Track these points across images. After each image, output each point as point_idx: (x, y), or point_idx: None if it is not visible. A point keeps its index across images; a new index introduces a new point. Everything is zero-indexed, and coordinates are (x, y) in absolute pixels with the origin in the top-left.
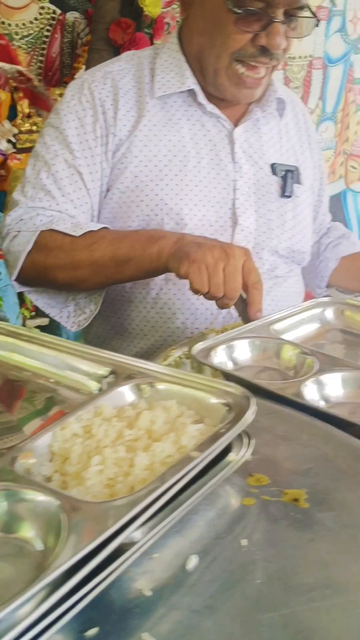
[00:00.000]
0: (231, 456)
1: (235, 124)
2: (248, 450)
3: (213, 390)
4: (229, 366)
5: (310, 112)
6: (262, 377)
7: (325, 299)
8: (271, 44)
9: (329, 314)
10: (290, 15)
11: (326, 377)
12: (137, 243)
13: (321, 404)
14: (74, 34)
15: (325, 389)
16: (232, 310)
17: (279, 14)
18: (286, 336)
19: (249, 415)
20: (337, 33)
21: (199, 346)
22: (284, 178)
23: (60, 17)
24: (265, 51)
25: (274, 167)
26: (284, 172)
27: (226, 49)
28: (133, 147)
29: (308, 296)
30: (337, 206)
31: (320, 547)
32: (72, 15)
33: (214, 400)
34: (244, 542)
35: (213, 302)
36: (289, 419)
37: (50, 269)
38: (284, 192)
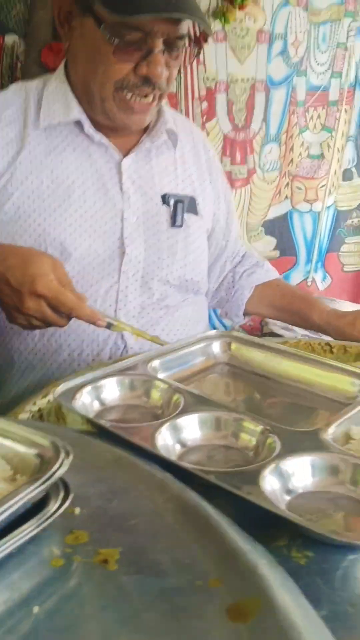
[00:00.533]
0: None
1: (126, 155)
2: (61, 506)
3: (24, 440)
4: (95, 407)
5: (254, 134)
6: (129, 418)
7: (212, 332)
8: (152, 73)
9: (215, 347)
10: (170, 44)
11: (184, 420)
12: None
13: (176, 449)
14: (13, 57)
15: (183, 433)
16: (119, 341)
17: (158, 44)
18: (166, 372)
19: (58, 470)
20: (279, 56)
21: (63, 387)
22: (174, 208)
23: None
24: (147, 80)
25: (165, 197)
26: (174, 202)
27: (108, 79)
28: (14, 179)
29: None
30: (284, 226)
31: (110, 616)
32: (10, 38)
33: (25, 450)
34: (36, 609)
35: (99, 334)
36: (132, 467)
37: None
38: (174, 222)
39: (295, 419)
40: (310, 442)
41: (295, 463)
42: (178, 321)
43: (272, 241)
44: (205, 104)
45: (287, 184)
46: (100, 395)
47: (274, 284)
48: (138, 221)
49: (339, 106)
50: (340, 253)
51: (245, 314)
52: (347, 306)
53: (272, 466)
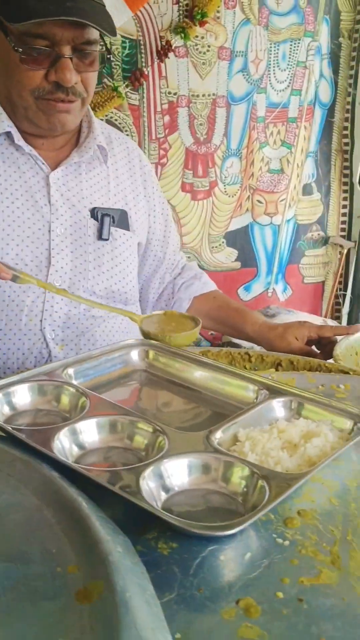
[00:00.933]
0: None
1: (55, 168)
2: None
3: None
4: (5, 411)
5: (215, 148)
6: (37, 422)
7: (131, 341)
8: (61, 78)
9: (134, 355)
10: (79, 50)
11: (84, 424)
12: None
13: (74, 451)
14: None
15: (82, 435)
16: (44, 350)
17: (66, 50)
18: (82, 379)
19: None
20: (239, 73)
21: None
22: (101, 221)
23: None
24: (59, 87)
25: (94, 211)
26: (101, 216)
27: (24, 87)
28: None
29: None
30: (245, 239)
31: None
32: None
33: None
34: None
35: (24, 342)
36: (25, 467)
37: None
38: (100, 235)
39: (195, 422)
40: (196, 444)
41: (176, 463)
42: (105, 332)
43: (233, 253)
44: (167, 118)
45: (248, 197)
46: (12, 400)
47: (210, 296)
48: (65, 233)
49: (298, 123)
50: (300, 265)
51: None
52: (305, 318)
53: (152, 467)
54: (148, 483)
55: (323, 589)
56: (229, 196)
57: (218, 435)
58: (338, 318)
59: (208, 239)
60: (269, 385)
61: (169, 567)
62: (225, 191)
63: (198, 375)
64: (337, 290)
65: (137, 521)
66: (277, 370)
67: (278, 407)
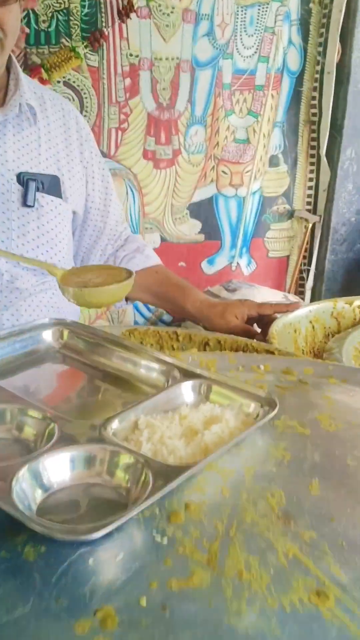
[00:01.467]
0: None
1: None
2: None
3: None
4: None
5: (179, 115)
6: None
7: (46, 320)
8: None
9: (47, 335)
10: None
11: None
12: None
13: None
14: None
15: None
16: None
17: None
18: None
19: None
20: (205, 37)
21: None
22: (26, 187)
23: None
24: None
25: (20, 176)
26: (25, 181)
27: None
28: None
29: None
30: (209, 210)
31: None
32: None
33: None
34: None
35: None
36: None
37: None
38: (25, 202)
39: (99, 409)
40: (88, 433)
41: (56, 458)
42: (32, 307)
43: (197, 224)
44: (128, 81)
45: (213, 168)
46: None
47: (152, 271)
48: None
49: (265, 91)
50: (265, 239)
51: (127, 299)
52: (266, 292)
53: (27, 465)
54: (21, 484)
55: (191, 593)
56: (193, 165)
57: (115, 424)
58: (302, 293)
59: (171, 210)
60: (180, 367)
61: (30, 575)
62: (190, 160)
63: (113, 357)
64: (301, 265)
65: (7, 523)
66: (204, 349)
67: (186, 391)
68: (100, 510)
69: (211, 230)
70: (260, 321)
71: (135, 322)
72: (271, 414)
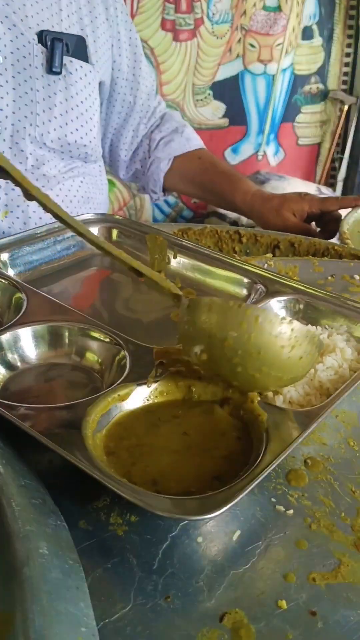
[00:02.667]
0: None
1: None
2: None
3: None
4: None
5: None
6: None
7: (90, 215)
8: None
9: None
10: None
11: (16, 332)
12: None
13: (1, 371)
14: None
15: (12, 349)
16: None
17: None
18: (20, 267)
19: None
20: None
21: None
22: (52, 49)
23: None
24: None
25: (42, 35)
26: (51, 42)
27: None
28: None
29: None
30: (234, 90)
31: None
32: None
33: None
34: None
35: None
36: None
37: None
38: (51, 67)
39: (164, 330)
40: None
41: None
42: (60, 196)
43: (220, 107)
44: None
45: (239, 40)
46: None
47: (195, 156)
48: (5, 63)
49: None
50: (295, 124)
51: (165, 189)
52: (298, 184)
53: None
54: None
55: (344, 590)
56: (217, 37)
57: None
58: (332, 185)
59: (192, 90)
60: (265, 278)
61: (124, 558)
62: (213, 31)
63: (175, 263)
64: (334, 154)
65: (81, 479)
66: (274, 254)
67: (278, 309)
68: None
69: (236, 113)
70: (320, 220)
71: (154, 219)
72: None
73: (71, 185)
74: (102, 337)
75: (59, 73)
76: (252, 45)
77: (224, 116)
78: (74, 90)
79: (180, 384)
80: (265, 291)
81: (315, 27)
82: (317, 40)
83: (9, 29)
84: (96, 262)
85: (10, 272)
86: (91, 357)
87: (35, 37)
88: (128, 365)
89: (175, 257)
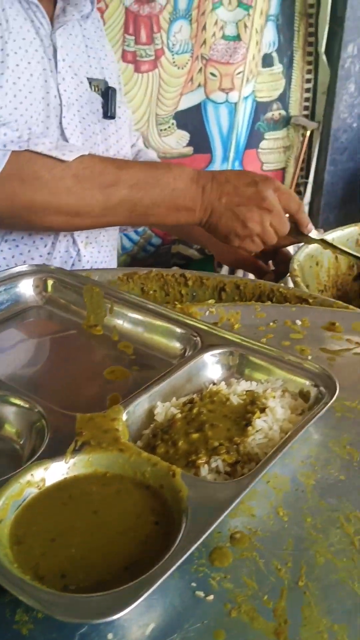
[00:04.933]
0: None
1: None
2: None
3: None
4: None
5: (161, 9)
6: None
7: (24, 267)
8: None
9: (26, 287)
10: None
11: None
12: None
13: None
14: None
15: None
16: (72, 248)
17: None
18: None
19: None
20: None
21: None
22: (106, 96)
23: None
24: None
25: (91, 83)
26: (104, 89)
27: None
28: None
29: None
30: (197, 119)
31: None
32: None
33: None
34: None
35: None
36: None
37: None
38: (107, 113)
39: (99, 393)
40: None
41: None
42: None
43: (184, 136)
44: None
45: (200, 70)
46: None
47: None
48: (73, 108)
49: None
50: (259, 150)
51: None
52: None
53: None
54: None
55: None
56: (178, 68)
57: (124, 417)
58: None
59: (155, 120)
60: (201, 330)
61: None
62: (174, 62)
63: (112, 315)
64: (298, 179)
65: None
66: (220, 297)
67: (213, 363)
68: None
69: (200, 141)
70: (274, 258)
71: (123, 247)
72: (331, 399)
73: None
74: (21, 403)
75: (114, 117)
76: (213, 75)
77: (188, 144)
78: (122, 132)
79: (100, 456)
80: (201, 344)
81: (275, 55)
82: (277, 68)
83: (72, 77)
84: (30, 316)
85: None
86: (8, 427)
87: (88, 84)
88: (47, 436)
89: (111, 312)
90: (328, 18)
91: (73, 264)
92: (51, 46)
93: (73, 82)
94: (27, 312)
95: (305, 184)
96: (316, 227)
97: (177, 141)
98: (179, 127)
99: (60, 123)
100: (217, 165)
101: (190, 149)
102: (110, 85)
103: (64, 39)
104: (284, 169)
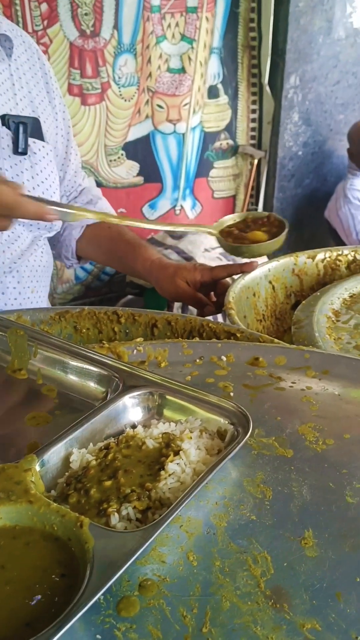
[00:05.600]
0: None
1: None
2: None
3: None
4: None
5: (105, 43)
6: None
7: None
8: None
9: None
10: None
11: None
12: None
13: None
14: None
15: None
16: None
17: None
18: None
19: None
20: None
21: None
22: (16, 131)
23: None
24: None
25: (5, 119)
26: (15, 125)
27: None
28: None
29: None
30: (146, 149)
31: None
32: None
33: None
34: None
35: None
36: None
37: None
38: (17, 149)
39: (17, 439)
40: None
41: None
42: (28, 267)
43: (134, 166)
44: (45, 7)
45: (147, 102)
46: None
47: (105, 226)
48: None
49: (199, 13)
50: (209, 178)
51: (79, 257)
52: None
53: None
54: None
55: None
56: (125, 100)
57: (38, 468)
58: None
59: (105, 151)
60: (122, 371)
61: None
62: (121, 94)
63: (36, 357)
64: (248, 205)
65: None
66: (152, 333)
67: (133, 405)
68: None
69: (150, 171)
70: (215, 289)
71: (77, 277)
72: (244, 438)
73: (36, 257)
74: None
75: (25, 153)
76: (159, 106)
77: (138, 174)
78: (39, 168)
79: (9, 509)
80: (122, 385)
81: (220, 86)
82: (223, 99)
83: None
84: None
85: None
86: None
87: (3, 121)
88: None
89: (35, 355)
90: (270, 50)
91: None
92: None
93: None
94: None
95: (256, 210)
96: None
97: (127, 171)
98: (128, 157)
99: None
100: (168, 194)
101: (140, 179)
102: (39, 119)
103: None
104: (234, 196)
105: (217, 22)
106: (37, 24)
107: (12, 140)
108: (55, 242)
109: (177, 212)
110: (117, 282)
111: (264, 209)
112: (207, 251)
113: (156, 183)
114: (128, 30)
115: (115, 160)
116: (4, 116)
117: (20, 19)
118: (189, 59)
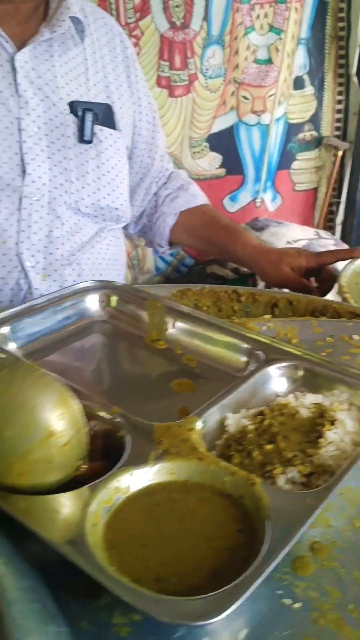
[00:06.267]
0: None
1: (21, 48)
2: None
3: None
4: None
5: (195, 35)
6: None
7: (88, 283)
8: None
9: (91, 302)
10: None
11: None
12: None
13: None
14: None
15: None
16: (21, 280)
17: None
18: (21, 340)
19: None
20: None
21: None
22: (83, 119)
23: None
24: None
25: (73, 106)
26: (82, 112)
27: None
28: None
29: None
30: (230, 141)
31: None
32: None
33: None
34: None
35: None
36: None
37: None
38: (82, 137)
39: (168, 403)
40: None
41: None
42: (91, 260)
43: (217, 158)
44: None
45: (233, 93)
46: None
47: (198, 211)
48: (39, 133)
49: (288, 4)
50: (291, 171)
51: (172, 243)
52: (296, 229)
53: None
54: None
55: None
56: (211, 92)
57: (199, 426)
58: (331, 228)
59: (189, 143)
60: (264, 344)
61: None
62: (207, 86)
63: (174, 329)
64: (330, 198)
65: (81, 577)
66: (273, 313)
67: (278, 376)
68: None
69: (233, 163)
70: (319, 275)
71: (157, 269)
72: None
73: (100, 249)
74: (101, 413)
75: (90, 142)
76: (245, 97)
77: (220, 166)
78: (105, 157)
79: (180, 464)
80: (265, 358)
81: (306, 77)
82: (309, 90)
83: (42, 100)
84: (96, 330)
85: (12, 345)
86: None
87: (67, 108)
88: (128, 445)
89: (174, 326)
90: (359, 41)
91: (24, 298)
92: (12, 69)
93: (42, 105)
94: (92, 326)
95: (338, 203)
96: (349, 246)
97: (210, 163)
98: (211, 149)
99: (21, 149)
100: (249, 186)
101: (222, 171)
102: (112, 106)
103: (31, 60)
104: (316, 189)
105: (306, 12)
106: (129, 16)
107: (78, 128)
108: (147, 230)
109: (258, 204)
110: (196, 274)
111: (347, 201)
112: (290, 243)
113: (238, 175)
114: (217, 22)
115: (199, 152)
116: (72, 103)
117: (113, 12)
118: (277, 49)
